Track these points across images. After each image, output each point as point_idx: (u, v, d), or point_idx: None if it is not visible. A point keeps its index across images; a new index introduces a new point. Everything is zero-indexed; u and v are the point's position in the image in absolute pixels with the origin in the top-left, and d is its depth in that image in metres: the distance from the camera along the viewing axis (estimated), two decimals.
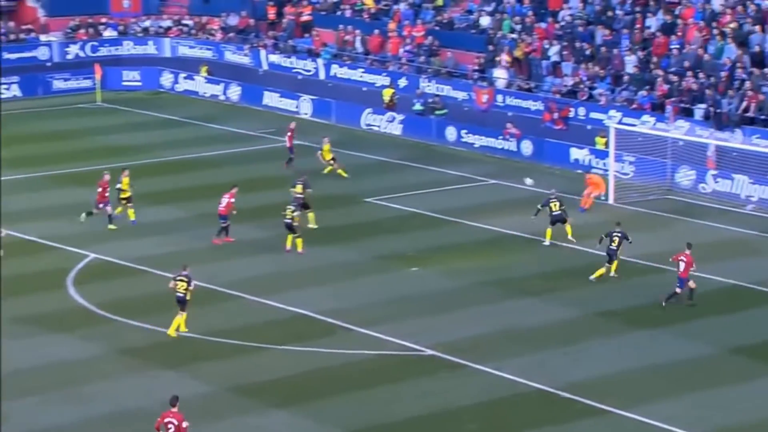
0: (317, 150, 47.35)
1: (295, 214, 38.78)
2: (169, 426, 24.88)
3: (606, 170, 45.35)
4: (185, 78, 61.23)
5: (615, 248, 35.98)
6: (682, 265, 34.04)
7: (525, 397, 29.07)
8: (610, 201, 43.92)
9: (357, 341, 32.20)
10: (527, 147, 49.50)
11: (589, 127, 49.10)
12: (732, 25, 48.89)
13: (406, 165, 49.16)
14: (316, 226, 40.41)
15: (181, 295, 32.23)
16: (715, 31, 49.32)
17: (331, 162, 47.02)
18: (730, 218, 42.04)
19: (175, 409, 25.19)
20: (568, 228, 39.28)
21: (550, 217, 39.15)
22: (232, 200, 39.43)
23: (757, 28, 48.38)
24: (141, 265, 37.73)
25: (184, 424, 24.92)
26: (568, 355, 31.26)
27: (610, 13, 52.72)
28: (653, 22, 51.29)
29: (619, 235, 36.04)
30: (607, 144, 45.97)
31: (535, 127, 50.02)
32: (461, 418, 28.10)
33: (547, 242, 39.24)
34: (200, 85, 60.94)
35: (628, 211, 42.81)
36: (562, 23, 53.68)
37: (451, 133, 51.94)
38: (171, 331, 32.32)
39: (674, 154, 44.82)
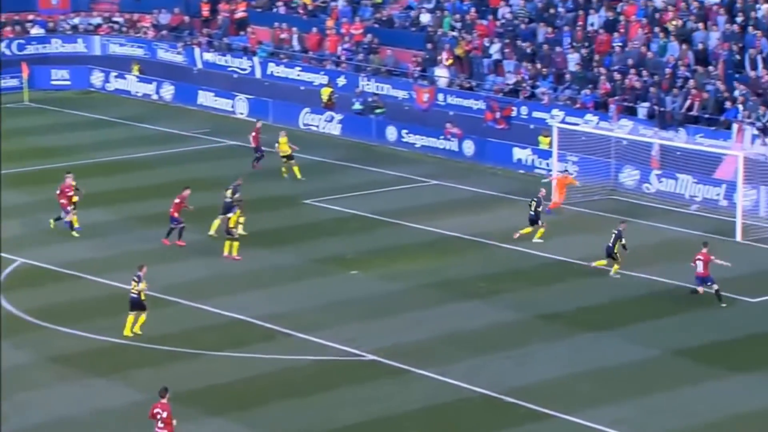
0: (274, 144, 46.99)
1: (228, 216, 38.31)
2: (158, 416, 25.52)
3: (549, 170, 44.98)
4: (116, 77, 60.54)
5: (610, 245, 36.26)
6: (700, 265, 34.32)
7: (468, 402, 28.82)
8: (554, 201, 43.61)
9: (296, 347, 31.83)
10: (469, 147, 49.19)
11: (531, 126, 48.95)
12: (675, 23, 48.70)
13: (346, 165, 48.77)
14: (213, 233, 39.72)
15: (133, 295, 32.04)
16: (658, 29, 49.11)
17: (285, 160, 46.26)
18: (675, 218, 42.06)
19: (164, 400, 25.61)
20: (539, 231, 39.32)
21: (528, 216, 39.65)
22: (177, 200, 38.94)
23: (700, 25, 48.24)
24: (71, 270, 37.15)
25: (165, 415, 25.43)
26: (512, 358, 31.06)
27: (552, 11, 52.35)
28: (596, 20, 50.98)
29: (615, 233, 36.32)
30: (551, 143, 45.58)
31: (477, 126, 49.73)
32: (403, 424, 27.82)
33: (516, 235, 39.46)
34: (132, 84, 60.22)
35: (572, 212, 42.65)
36: (503, 21, 53.23)
37: (391, 132, 51.48)
38: (137, 329, 32.33)
39: (618, 154, 44.72)
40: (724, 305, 34.17)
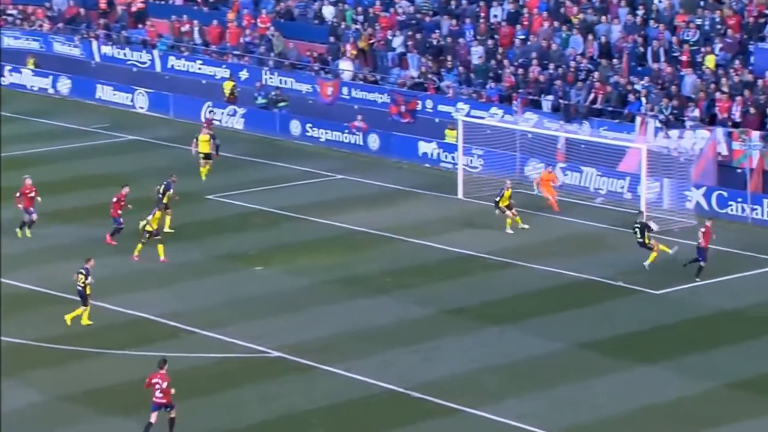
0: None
1: (148, 217, 37.68)
2: (156, 386, 26.37)
3: (455, 164, 44.99)
4: (11, 71, 59.39)
5: (641, 240, 36.43)
6: (700, 236, 35.68)
7: (375, 398, 28.76)
8: (459, 195, 43.56)
9: (200, 344, 31.50)
10: (374, 141, 49.09)
11: (437, 120, 48.86)
12: (578, 16, 48.95)
13: (249, 160, 48.34)
14: (152, 229, 39.11)
15: (80, 288, 32.29)
16: (558, 23, 49.29)
17: (201, 157, 45.52)
18: (580, 211, 42.27)
19: (162, 371, 26.48)
20: (509, 221, 39.83)
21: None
22: (114, 199, 38.26)
23: (603, 18, 48.48)
24: None
25: (165, 385, 26.25)
26: (419, 353, 30.99)
27: (454, 3, 52.30)
28: (499, 12, 51.04)
29: (638, 226, 36.62)
30: (457, 137, 45.55)
31: (382, 120, 49.58)
32: (309, 421, 27.68)
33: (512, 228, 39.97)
34: (27, 78, 59.24)
35: (478, 206, 42.71)
36: (406, 13, 53.03)
37: (295, 127, 51.13)
38: (84, 321, 32.37)
39: (523, 147, 44.80)
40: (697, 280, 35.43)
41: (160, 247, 36.98)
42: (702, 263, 35.60)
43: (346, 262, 37.30)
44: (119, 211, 38.08)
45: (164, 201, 39.24)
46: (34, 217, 38.82)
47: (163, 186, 39.55)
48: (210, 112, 49.50)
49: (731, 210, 41.18)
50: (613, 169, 43.50)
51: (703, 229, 35.79)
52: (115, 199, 38.22)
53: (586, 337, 31.83)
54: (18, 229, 38.71)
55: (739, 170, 42.15)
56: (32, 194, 38.90)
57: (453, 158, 45.86)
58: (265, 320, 32.98)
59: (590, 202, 43.28)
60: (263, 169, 47.21)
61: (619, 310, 33.85)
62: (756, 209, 40.74)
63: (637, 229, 36.44)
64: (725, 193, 41.54)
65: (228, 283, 35.65)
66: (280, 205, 42.60)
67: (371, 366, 30.04)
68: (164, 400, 26.26)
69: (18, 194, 39.01)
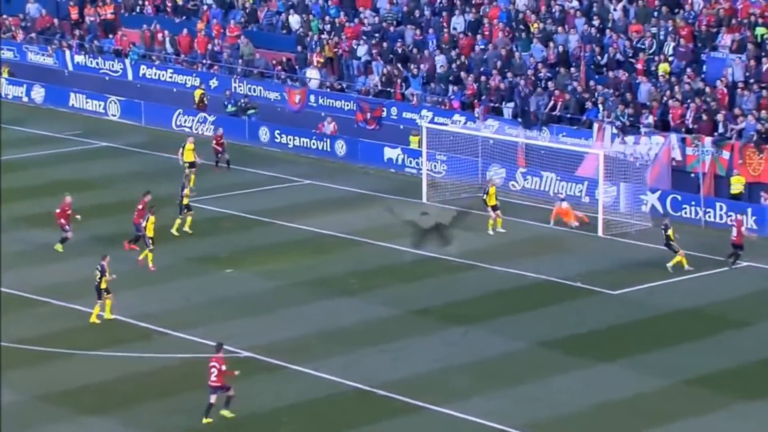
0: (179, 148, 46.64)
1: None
2: (212, 370, 27.62)
3: (419, 169, 45.67)
4: None
5: (669, 242, 37.30)
6: (734, 231, 37.17)
7: (343, 397, 29.17)
8: (424, 199, 44.21)
9: (172, 345, 31.84)
10: (341, 147, 49.57)
11: (401, 126, 49.41)
12: (537, 26, 49.74)
13: (220, 166, 48.43)
14: (187, 230, 40.23)
15: (96, 284, 33.04)
16: (518, 32, 49.98)
17: (186, 165, 45.89)
18: (540, 215, 42.54)
19: (218, 354, 27.95)
20: (493, 220, 40.48)
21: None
22: (140, 207, 38.46)
23: (561, 28, 49.32)
24: None
25: (224, 367, 27.55)
26: (386, 353, 31.42)
27: (417, 13, 53.03)
28: (460, 22, 51.80)
29: (662, 229, 37.57)
30: (420, 143, 46.27)
31: (348, 127, 50.06)
32: (279, 419, 28.04)
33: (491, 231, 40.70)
34: (2, 86, 59.27)
35: (441, 210, 43.10)
36: (371, 23, 53.74)
37: (264, 133, 51.65)
38: (107, 315, 33.22)
39: (485, 152, 45.37)
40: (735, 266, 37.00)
41: (144, 252, 37.36)
42: (738, 252, 37.01)
43: (315, 264, 37.68)
44: (140, 219, 38.13)
45: (184, 202, 39.99)
46: (69, 234, 38.60)
47: (187, 188, 40.27)
48: (217, 129, 50.12)
49: (685, 213, 41.83)
50: (571, 173, 44.02)
51: (734, 223, 37.23)
52: (140, 207, 38.30)
53: (547, 337, 32.33)
54: (59, 244, 38.68)
55: (692, 175, 42.78)
56: (69, 211, 38.65)
57: (417, 163, 46.41)
58: (235, 321, 33.33)
59: (550, 206, 42.91)
60: (233, 174, 47.40)
61: (579, 310, 34.34)
62: (709, 212, 41.43)
63: (663, 231, 37.28)
64: (679, 197, 42.14)
65: (199, 286, 35.99)
66: (250, 210, 42.94)
67: (339, 365, 30.44)
68: (218, 383, 27.32)
69: (58, 210, 38.67)
